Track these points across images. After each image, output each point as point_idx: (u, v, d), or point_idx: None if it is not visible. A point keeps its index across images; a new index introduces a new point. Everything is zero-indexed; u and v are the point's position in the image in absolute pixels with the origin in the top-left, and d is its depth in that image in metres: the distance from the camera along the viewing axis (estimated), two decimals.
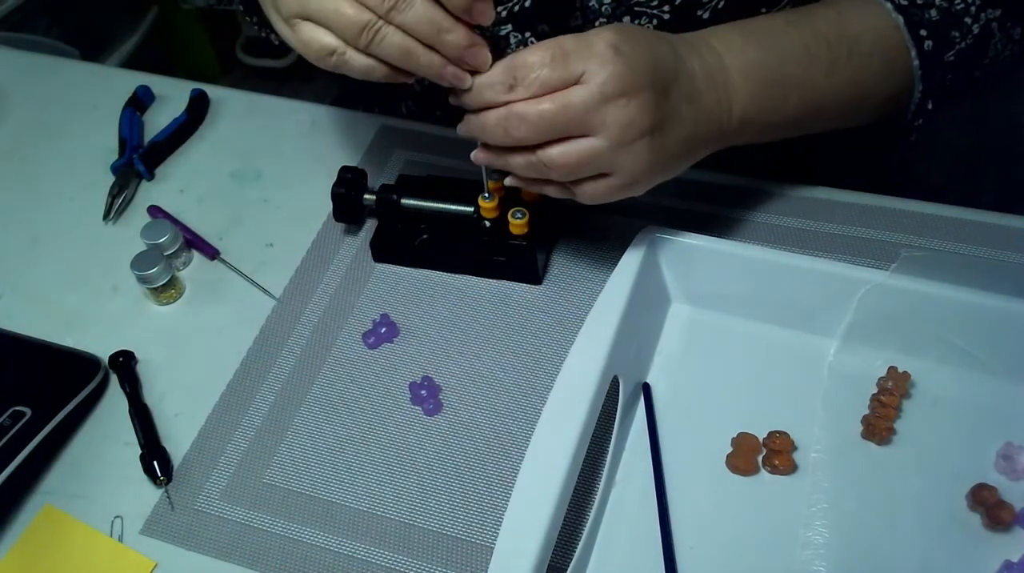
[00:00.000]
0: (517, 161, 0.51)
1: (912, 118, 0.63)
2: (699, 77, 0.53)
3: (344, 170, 0.66)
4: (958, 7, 0.61)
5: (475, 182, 0.61)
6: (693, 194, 0.67)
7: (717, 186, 0.66)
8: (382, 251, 0.66)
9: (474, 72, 0.49)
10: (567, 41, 0.48)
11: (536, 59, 0.47)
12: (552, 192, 0.53)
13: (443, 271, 0.65)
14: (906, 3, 0.60)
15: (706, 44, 0.54)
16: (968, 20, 0.61)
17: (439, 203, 0.64)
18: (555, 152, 0.49)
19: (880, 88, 0.61)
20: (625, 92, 0.48)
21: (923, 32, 0.60)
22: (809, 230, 0.65)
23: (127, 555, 0.53)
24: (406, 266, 0.66)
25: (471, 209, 0.63)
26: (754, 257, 0.56)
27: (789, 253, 0.56)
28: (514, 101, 0.48)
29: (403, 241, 0.65)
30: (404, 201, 0.65)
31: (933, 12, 0.60)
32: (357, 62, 0.48)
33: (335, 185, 0.66)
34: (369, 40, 0.46)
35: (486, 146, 0.52)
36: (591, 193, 0.52)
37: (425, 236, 0.64)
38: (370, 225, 0.69)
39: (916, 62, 0.60)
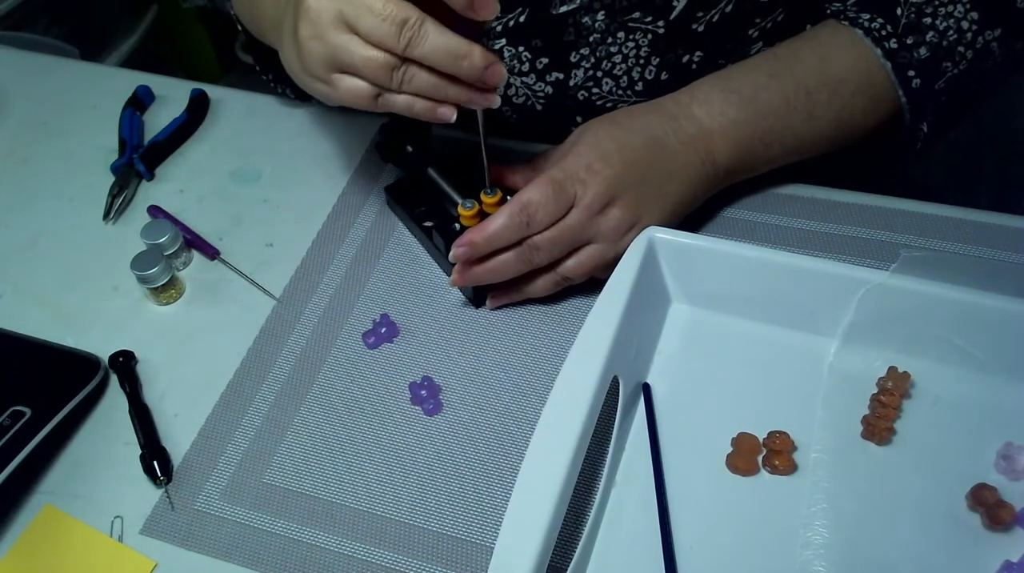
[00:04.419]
0: (537, 285, 0.60)
1: (910, 141, 0.64)
2: (677, 150, 0.59)
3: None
4: (951, 38, 0.60)
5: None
6: None
7: None
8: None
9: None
10: (556, 172, 0.56)
11: (539, 197, 0.55)
12: (546, 285, 0.61)
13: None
14: (896, 46, 0.61)
15: (686, 113, 0.61)
16: (962, 48, 0.61)
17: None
18: (570, 265, 0.59)
19: (865, 121, 0.64)
20: (607, 202, 0.57)
21: (911, 73, 0.61)
22: (809, 230, 0.65)
23: (127, 555, 0.53)
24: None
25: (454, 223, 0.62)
26: (754, 257, 0.56)
27: (789, 253, 0.56)
28: (530, 236, 0.56)
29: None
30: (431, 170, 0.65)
31: (923, 50, 0.61)
32: (398, 100, 0.51)
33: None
34: (400, 80, 0.49)
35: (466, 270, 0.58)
36: (602, 275, 0.58)
37: (428, 223, 0.65)
38: (373, 219, 0.69)
39: (903, 99, 0.62)
